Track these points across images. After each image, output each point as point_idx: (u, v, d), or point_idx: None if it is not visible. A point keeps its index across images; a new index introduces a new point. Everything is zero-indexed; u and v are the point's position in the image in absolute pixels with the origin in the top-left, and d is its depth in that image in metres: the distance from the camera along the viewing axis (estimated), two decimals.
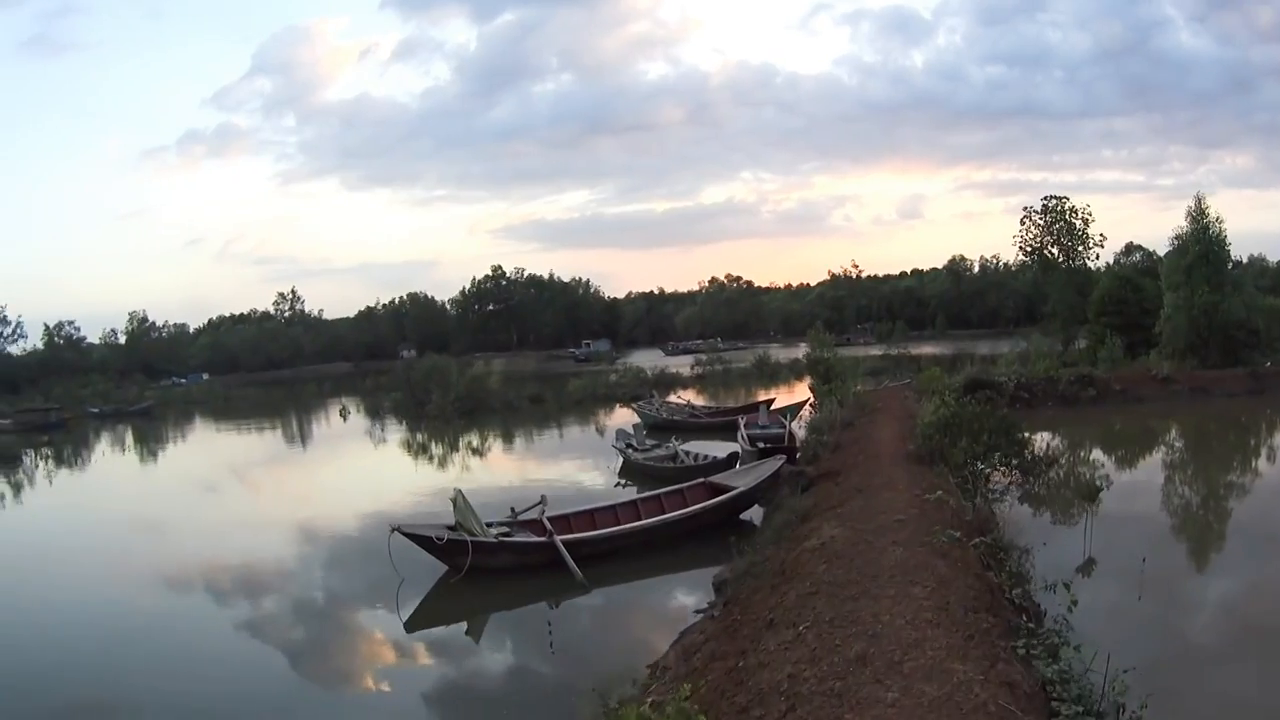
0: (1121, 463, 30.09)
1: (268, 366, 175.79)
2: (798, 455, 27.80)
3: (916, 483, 18.05)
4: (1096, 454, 31.11)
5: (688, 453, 31.23)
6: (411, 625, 17.21)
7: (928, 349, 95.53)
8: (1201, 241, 47.63)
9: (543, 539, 19.44)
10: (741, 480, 23.13)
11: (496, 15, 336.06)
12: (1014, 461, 19.51)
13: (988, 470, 19.29)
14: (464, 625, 17.53)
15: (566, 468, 35.58)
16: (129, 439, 69.72)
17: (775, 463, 23.79)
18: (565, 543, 19.07)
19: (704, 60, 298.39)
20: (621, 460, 32.64)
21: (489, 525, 20.02)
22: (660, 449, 32.30)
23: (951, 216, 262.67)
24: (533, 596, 18.39)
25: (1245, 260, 78.47)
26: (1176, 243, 49.69)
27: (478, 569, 18.90)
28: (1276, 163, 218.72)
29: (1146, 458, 31.25)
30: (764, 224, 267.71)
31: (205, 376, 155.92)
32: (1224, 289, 46.88)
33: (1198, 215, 48.52)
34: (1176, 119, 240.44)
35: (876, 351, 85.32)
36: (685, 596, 17.46)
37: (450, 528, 19.45)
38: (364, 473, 41.61)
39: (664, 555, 20.22)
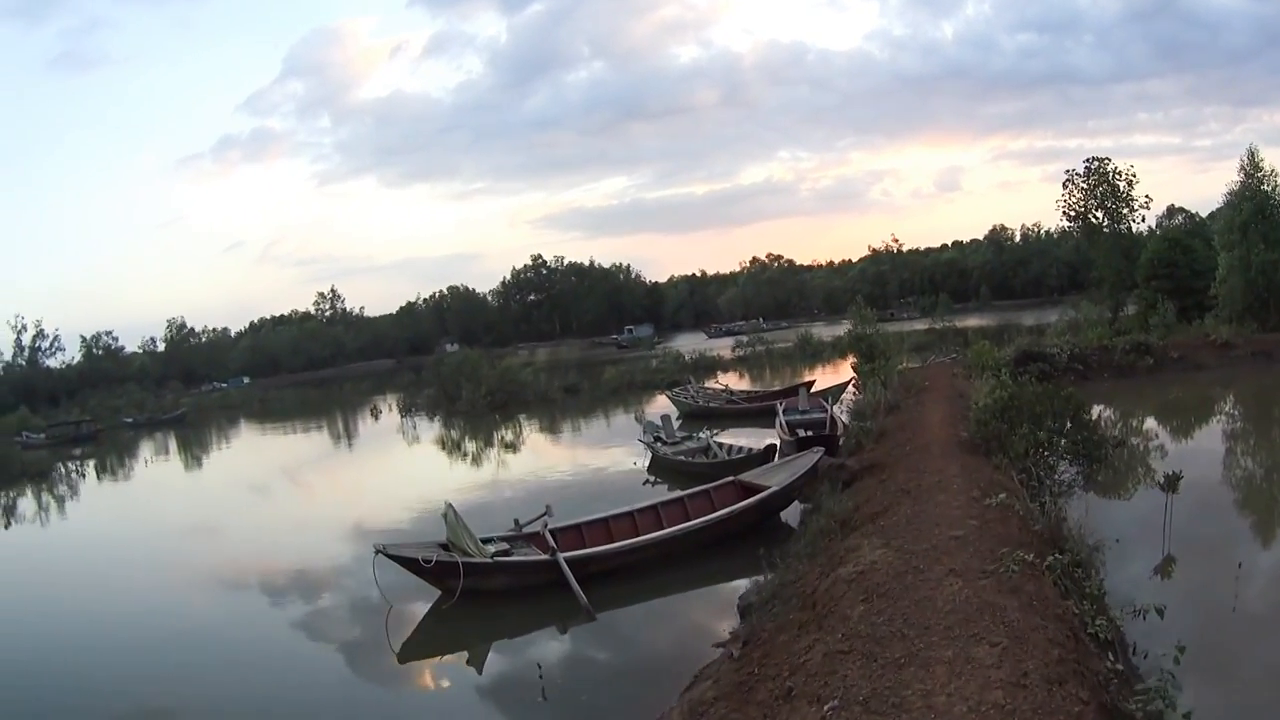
0: (1190, 439, 27.48)
1: (309, 367, 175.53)
2: (840, 442, 25.82)
3: (973, 480, 15.50)
4: (1163, 430, 28.75)
5: (721, 444, 29.03)
6: (404, 656, 15.49)
7: (972, 321, 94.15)
8: (1256, 197, 45.11)
9: (545, 557, 17.24)
10: (775, 478, 20.73)
11: (525, 6, 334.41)
12: (1083, 449, 16.91)
13: (1054, 460, 16.98)
14: (464, 655, 15.58)
15: (595, 462, 33.60)
16: (152, 449, 68.24)
17: (812, 456, 21.31)
18: (573, 560, 17.01)
19: (735, 41, 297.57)
20: (650, 455, 30.26)
21: (488, 540, 17.98)
22: (691, 441, 30.07)
23: (989, 187, 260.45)
24: (532, 625, 16.25)
25: None
26: (1229, 199, 47.35)
27: (474, 592, 16.90)
28: None
29: (1218, 433, 28.49)
30: (803, 202, 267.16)
31: (246, 380, 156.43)
32: None
33: (1251, 170, 45.95)
34: (1210, 78, 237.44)
35: (921, 326, 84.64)
36: (706, 621, 15.30)
37: (442, 545, 17.53)
38: (387, 476, 40.18)
39: (686, 569, 17.99)
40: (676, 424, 36.06)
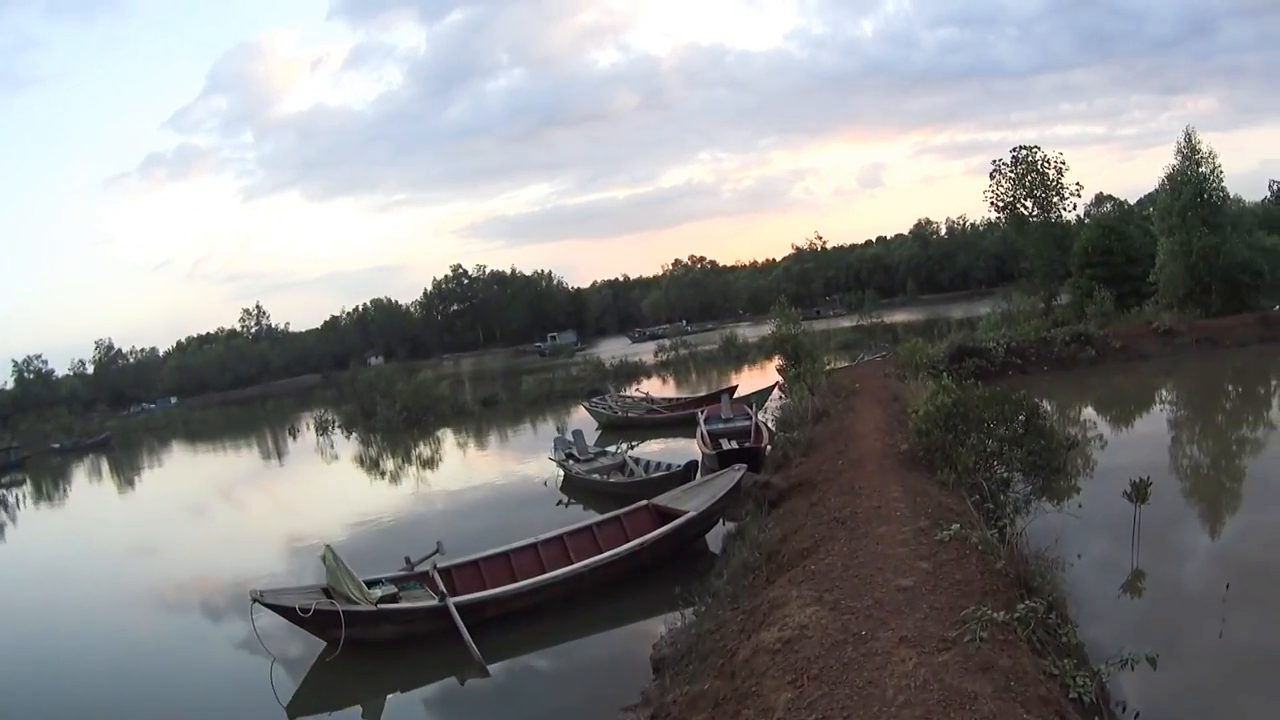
0: (1141, 433, 25.81)
1: (236, 385, 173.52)
2: (767, 450, 24.73)
3: (918, 504, 13.32)
4: (1113, 425, 27.48)
5: (638, 460, 26.79)
6: (294, 712, 13.81)
7: (900, 316, 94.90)
8: (1195, 180, 44.13)
9: (435, 602, 15.10)
10: (693, 501, 18.60)
11: (444, 15, 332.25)
12: (1040, 460, 14.90)
13: (1007, 473, 15.09)
14: (357, 709, 13.96)
15: (506, 481, 31.62)
16: (71, 477, 66.42)
17: (734, 475, 19.15)
18: (466, 604, 15.07)
19: (654, 45, 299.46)
20: (562, 474, 28.07)
21: (375, 583, 15.87)
22: (606, 457, 27.90)
23: (913, 182, 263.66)
24: (423, 678, 14.48)
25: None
26: (1166, 184, 46.16)
27: (359, 642, 14.98)
28: (1240, 104, 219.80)
29: (1170, 427, 27.04)
30: (725, 203, 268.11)
31: (174, 400, 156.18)
32: (1223, 230, 43.40)
33: (1189, 152, 44.94)
34: (1135, 68, 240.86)
35: (848, 323, 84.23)
36: (616, 672, 13.42)
37: (325, 589, 15.47)
38: (291, 501, 37.89)
39: (595, 607, 16.01)
40: (595, 435, 34.85)
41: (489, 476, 33.49)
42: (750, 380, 48.55)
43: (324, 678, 14.64)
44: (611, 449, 29.32)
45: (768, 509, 17.42)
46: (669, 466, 24.27)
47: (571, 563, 16.91)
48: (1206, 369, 35.46)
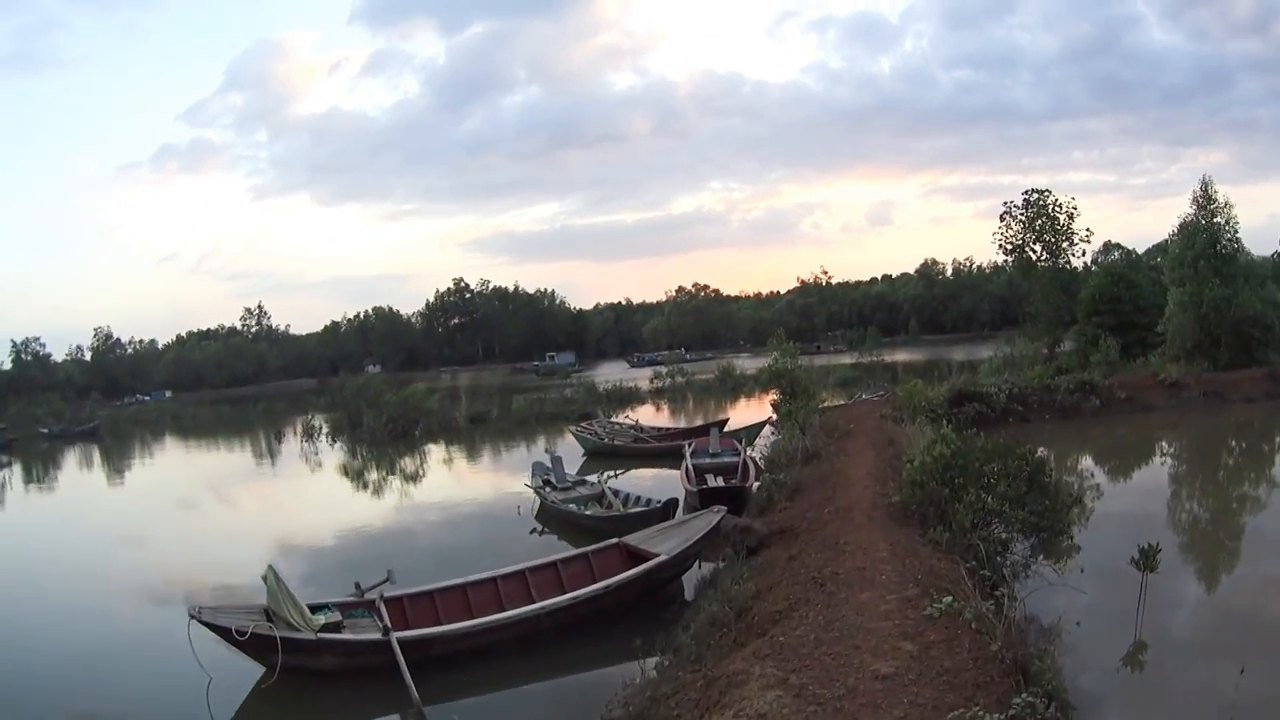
0: (1146, 491, 24.30)
1: (232, 383, 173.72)
2: (754, 488, 23.63)
3: (906, 567, 12.05)
4: (1116, 480, 26.33)
5: (617, 493, 25.37)
6: None
7: (901, 355, 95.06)
8: (1210, 229, 43.45)
9: (379, 635, 14.01)
10: (667, 543, 17.29)
11: (465, 28, 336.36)
12: (1044, 522, 13.74)
13: (1008, 534, 13.88)
14: None
15: (482, 504, 30.46)
16: (53, 463, 64.88)
17: (712, 517, 17.88)
18: (412, 641, 13.93)
19: (671, 70, 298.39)
20: (538, 501, 26.80)
21: (320, 608, 14.87)
22: (584, 486, 26.66)
23: (921, 222, 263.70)
24: (358, 715, 13.62)
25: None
26: (1179, 232, 45.40)
27: (299, 670, 13.94)
28: (1250, 159, 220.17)
29: (1176, 485, 25.91)
30: (733, 233, 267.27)
31: (168, 394, 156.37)
32: (1236, 281, 42.68)
33: (1204, 201, 44.14)
34: (1148, 118, 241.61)
35: (848, 360, 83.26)
36: None
37: (268, 611, 14.45)
38: (266, 506, 36.83)
39: (552, 652, 14.78)
40: (580, 462, 34.79)
41: (466, 497, 32.49)
42: (745, 413, 47.70)
43: (258, 706, 13.74)
44: (591, 478, 28.18)
45: (746, 555, 16.41)
46: (648, 502, 23.10)
47: (532, 601, 15.85)
48: (1213, 423, 34.64)
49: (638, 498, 24.38)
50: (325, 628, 14.33)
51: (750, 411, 48.07)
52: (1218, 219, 43.57)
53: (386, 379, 74.06)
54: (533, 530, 24.62)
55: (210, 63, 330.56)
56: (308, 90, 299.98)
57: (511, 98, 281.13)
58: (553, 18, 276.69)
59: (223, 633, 13.99)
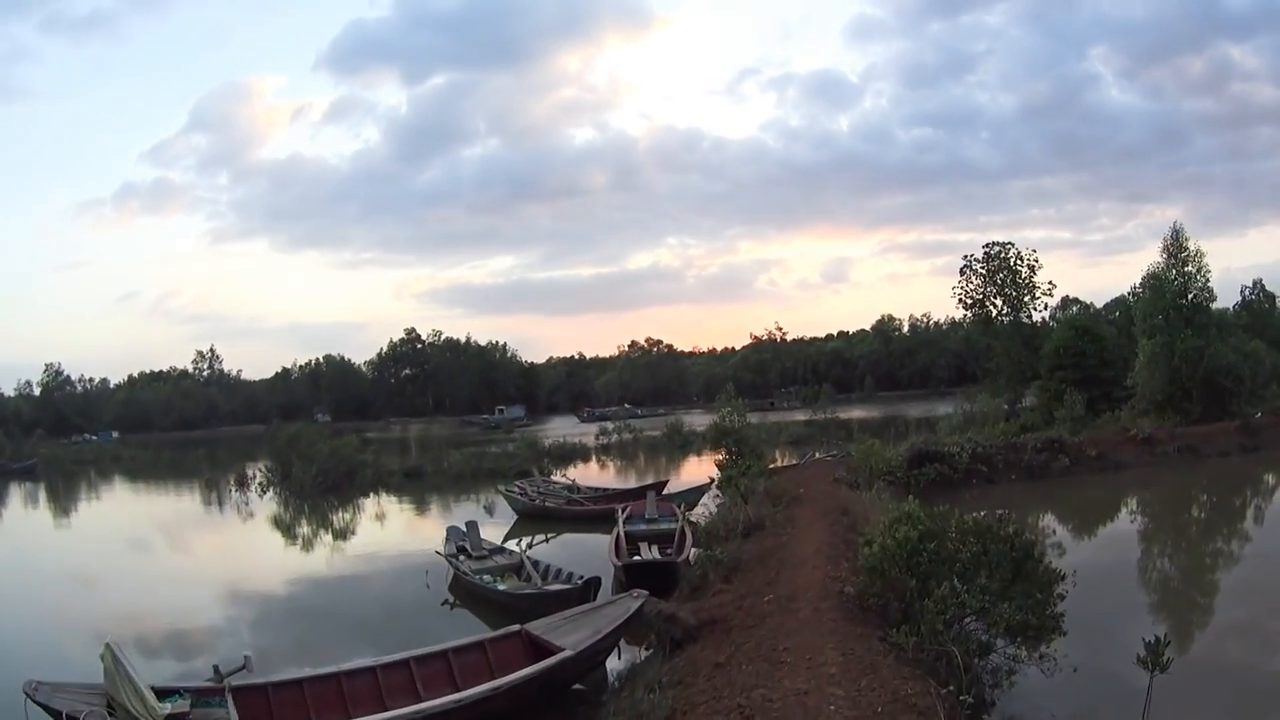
0: (1125, 562, 22.37)
1: (181, 426, 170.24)
2: (690, 556, 21.58)
3: (863, 689, 9.21)
4: (1090, 550, 24.24)
5: (537, 564, 22.72)
6: None
7: (857, 412, 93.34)
8: (1182, 279, 42.71)
9: None
10: (575, 634, 14.63)
11: (427, 78, 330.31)
12: (1034, 618, 11.00)
13: (989, 637, 11.24)
14: None
15: (397, 570, 27.63)
16: None
17: (629, 605, 15.19)
18: None
19: (631, 125, 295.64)
20: (452, 571, 24.07)
21: (170, 694, 12.88)
22: (502, 555, 24.15)
23: (877, 279, 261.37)
24: None
25: None
26: (1149, 282, 44.71)
27: None
28: (1205, 214, 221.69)
29: (1168, 556, 23.91)
30: (689, 289, 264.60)
31: (115, 435, 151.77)
32: (1208, 332, 41.86)
33: (1174, 250, 43.06)
34: (1105, 175, 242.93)
35: (801, 416, 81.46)
36: None
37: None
38: (166, 562, 34.19)
39: None
40: (510, 523, 33.25)
41: (382, 559, 30.09)
42: (695, 469, 46.41)
43: None
44: (511, 545, 26.21)
45: (670, 651, 14.07)
46: (569, 577, 20.70)
47: (416, 697, 13.72)
48: (1189, 480, 33.94)
49: (558, 571, 21.83)
50: (170, 718, 12.42)
51: (699, 469, 46.25)
52: (1189, 268, 42.82)
53: (328, 428, 74.00)
54: (445, 602, 22.23)
55: (176, 102, 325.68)
56: (270, 135, 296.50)
57: (471, 150, 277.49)
58: (514, 70, 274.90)
59: (55, 715, 12.38)
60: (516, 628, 15.35)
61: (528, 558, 23.40)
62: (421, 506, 45.05)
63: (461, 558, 23.96)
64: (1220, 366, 41.02)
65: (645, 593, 15.66)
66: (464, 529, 25.86)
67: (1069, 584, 11.72)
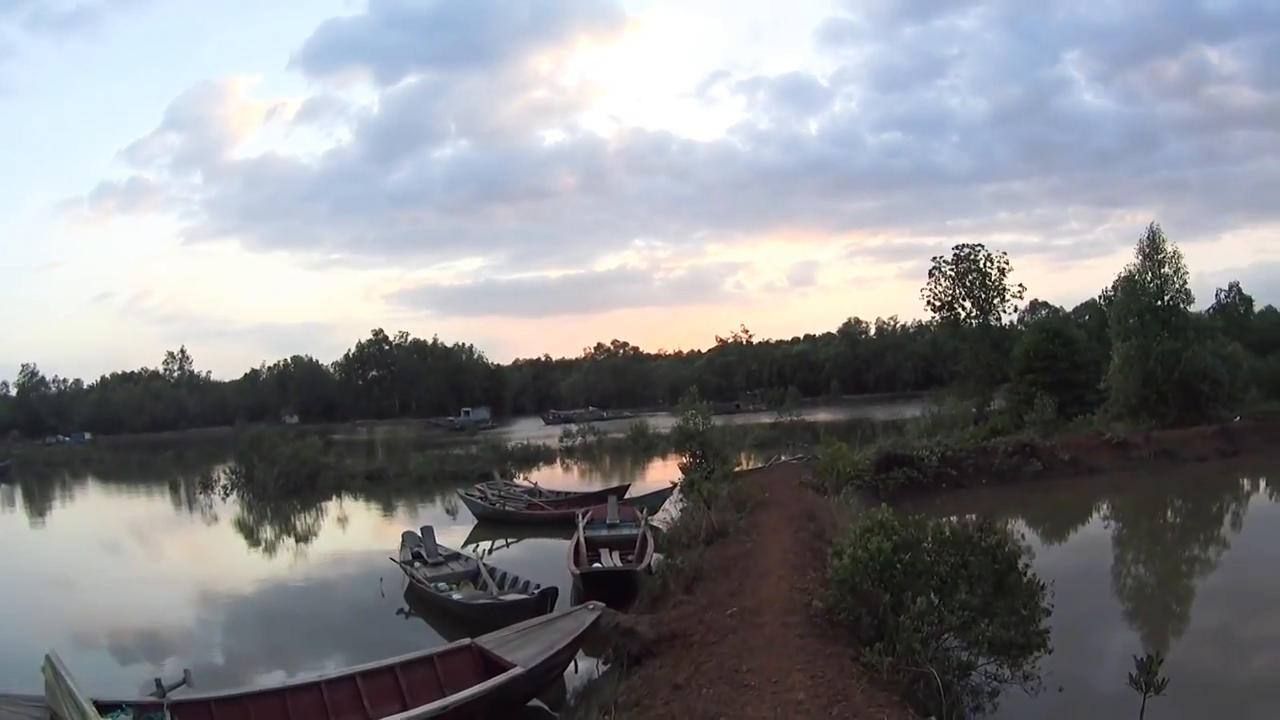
0: (1104, 570, 22.10)
1: (152, 427, 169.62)
2: (651, 564, 20.86)
3: (832, 711, 8.48)
4: (1070, 558, 23.46)
5: (494, 571, 21.99)
6: None
7: (822, 415, 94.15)
8: (1155, 281, 42.51)
9: None
10: (527, 648, 13.82)
11: (400, 78, 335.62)
12: (1018, 636, 10.29)
13: (970, 655, 10.49)
14: None
15: (354, 576, 26.91)
16: None
17: (584, 618, 14.39)
18: None
19: (601, 127, 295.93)
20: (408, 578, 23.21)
21: (113, 709, 12.10)
22: (458, 562, 23.39)
23: (844, 282, 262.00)
24: None
25: None
26: (1124, 284, 44.73)
27: None
28: (1177, 219, 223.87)
29: (1142, 562, 23.72)
30: (656, 292, 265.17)
31: (87, 436, 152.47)
32: (1185, 334, 41.67)
33: (1151, 252, 42.73)
34: (1076, 179, 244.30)
35: (767, 419, 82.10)
36: None
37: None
38: (122, 565, 33.61)
39: None
40: (470, 528, 32.72)
41: (340, 564, 29.42)
42: (660, 472, 45.87)
43: None
44: (467, 551, 25.29)
45: (626, 667, 13.37)
46: (525, 585, 20.01)
47: (363, 716, 13.30)
48: (1165, 485, 33.61)
49: (515, 579, 21.13)
50: None
51: (663, 472, 45.49)
52: (1166, 270, 42.51)
53: (294, 430, 73.40)
54: (400, 610, 21.43)
55: (153, 101, 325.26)
56: (244, 134, 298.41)
57: (441, 150, 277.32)
58: (486, 71, 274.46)
59: None
60: (466, 641, 14.46)
61: (484, 565, 22.58)
62: (384, 509, 44.44)
63: (417, 564, 23.27)
64: (1197, 370, 40.72)
65: (602, 605, 14.85)
66: (419, 534, 25.25)
67: (1049, 594, 11.07)
